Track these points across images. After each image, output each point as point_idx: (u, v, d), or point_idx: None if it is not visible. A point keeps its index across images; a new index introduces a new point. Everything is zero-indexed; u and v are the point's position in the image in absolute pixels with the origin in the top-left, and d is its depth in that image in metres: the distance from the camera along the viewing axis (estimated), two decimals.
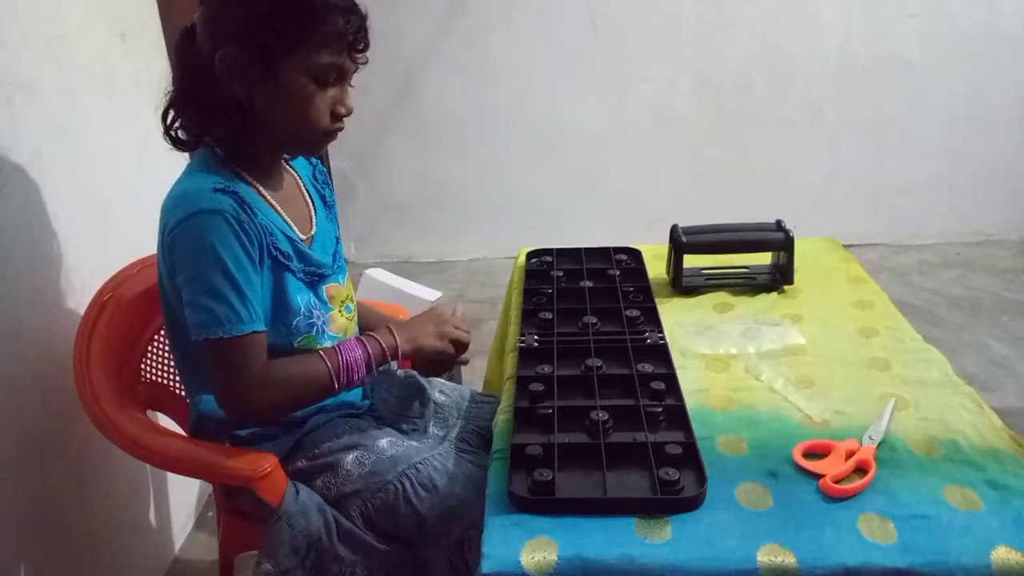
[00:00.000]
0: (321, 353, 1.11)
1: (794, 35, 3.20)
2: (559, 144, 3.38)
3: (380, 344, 1.15)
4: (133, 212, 1.62)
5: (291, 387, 1.10)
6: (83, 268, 1.42)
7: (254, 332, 1.04)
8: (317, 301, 1.17)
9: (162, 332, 1.38)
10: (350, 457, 1.18)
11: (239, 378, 1.04)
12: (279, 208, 1.14)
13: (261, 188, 1.12)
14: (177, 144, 1.11)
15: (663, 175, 3.42)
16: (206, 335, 1.01)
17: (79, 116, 1.46)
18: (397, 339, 1.16)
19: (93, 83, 1.52)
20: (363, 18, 1.06)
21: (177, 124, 1.09)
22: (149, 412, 1.31)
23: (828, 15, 3.17)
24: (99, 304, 1.26)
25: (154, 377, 1.37)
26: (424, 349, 1.19)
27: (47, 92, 1.37)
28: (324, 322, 1.18)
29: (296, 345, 1.14)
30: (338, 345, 1.14)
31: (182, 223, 1.01)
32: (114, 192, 1.56)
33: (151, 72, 1.76)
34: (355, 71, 1.10)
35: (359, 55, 1.08)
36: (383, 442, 1.20)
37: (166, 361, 1.39)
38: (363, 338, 1.15)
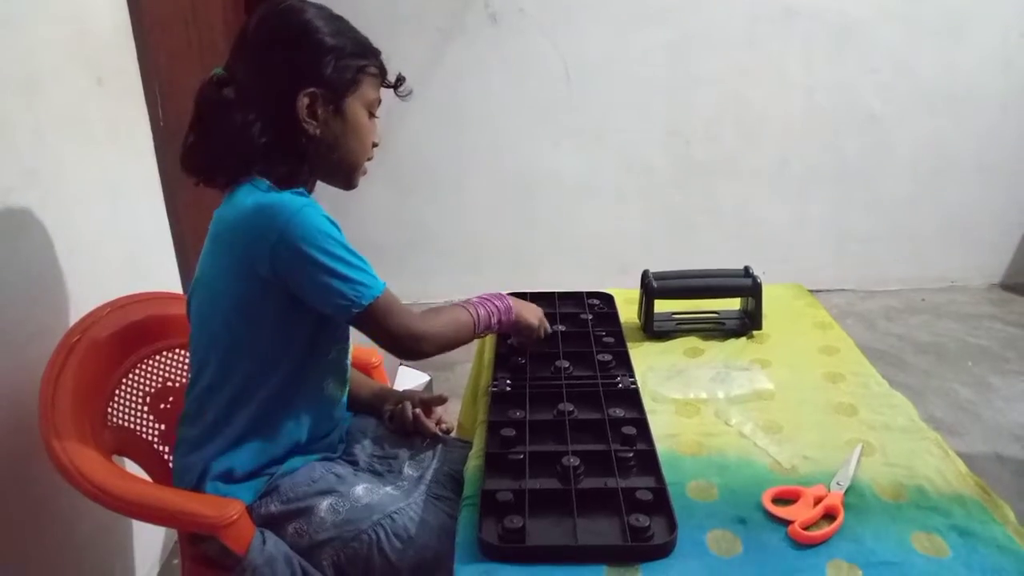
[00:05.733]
0: (459, 303, 1.25)
1: (761, 89, 3.29)
2: (533, 191, 3.43)
3: (504, 302, 1.28)
4: (102, 256, 1.61)
5: (442, 320, 1.19)
6: (51, 311, 1.41)
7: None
8: None
9: (130, 375, 1.36)
10: (324, 503, 1.16)
11: (407, 317, 1.13)
12: None
13: None
14: (210, 180, 1.15)
15: (635, 222, 3.47)
16: (367, 301, 1.08)
17: (51, 161, 1.45)
18: (511, 305, 1.30)
19: (67, 127, 1.51)
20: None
21: (217, 164, 1.13)
22: (115, 457, 1.29)
23: (794, 70, 3.27)
24: (67, 347, 1.24)
25: (121, 421, 1.34)
26: (523, 321, 1.33)
27: (20, 136, 1.36)
28: (348, 346, 1.27)
29: (329, 358, 1.22)
30: (470, 299, 1.26)
31: (289, 223, 1.04)
32: (84, 236, 1.54)
33: (128, 117, 1.76)
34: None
35: (401, 86, 1.24)
36: (359, 489, 1.19)
37: (134, 405, 1.37)
38: (489, 296, 1.29)
